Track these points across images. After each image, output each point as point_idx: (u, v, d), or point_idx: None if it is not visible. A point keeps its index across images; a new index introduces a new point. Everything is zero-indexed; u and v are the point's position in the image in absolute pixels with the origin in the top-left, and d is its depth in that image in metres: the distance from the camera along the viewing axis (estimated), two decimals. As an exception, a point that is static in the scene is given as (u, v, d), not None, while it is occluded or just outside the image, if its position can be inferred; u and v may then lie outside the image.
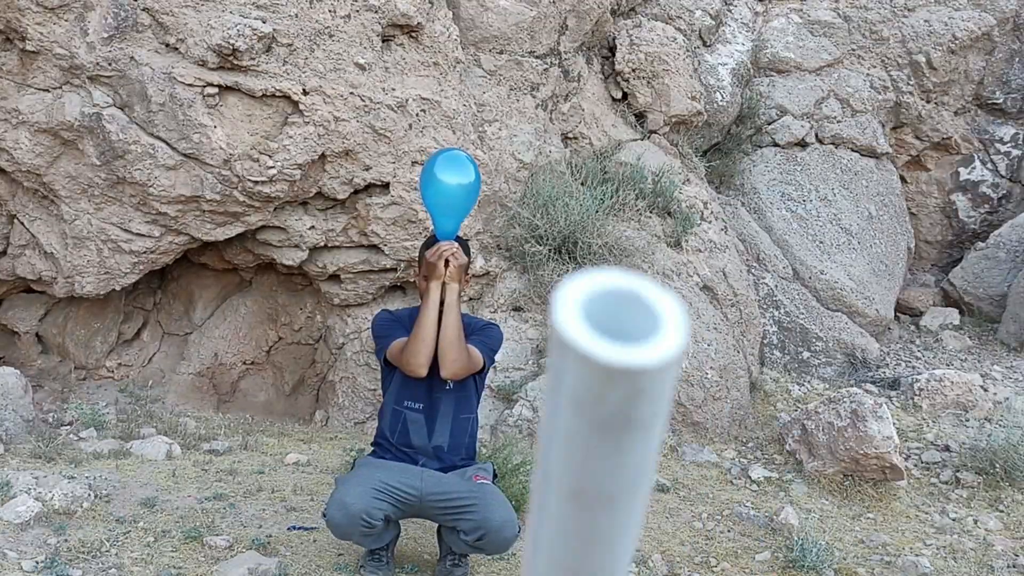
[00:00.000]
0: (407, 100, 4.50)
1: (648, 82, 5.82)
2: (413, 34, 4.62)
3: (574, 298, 0.20)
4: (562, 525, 0.21)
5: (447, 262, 2.69)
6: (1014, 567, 3.63)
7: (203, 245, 4.75)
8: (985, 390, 5.29)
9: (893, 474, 4.16)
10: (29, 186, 4.52)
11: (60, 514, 3.21)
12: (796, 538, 3.48)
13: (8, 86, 4.35)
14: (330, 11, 4.37)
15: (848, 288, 6.25)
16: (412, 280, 4.61)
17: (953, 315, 6.97)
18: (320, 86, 4.33)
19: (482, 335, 2.86)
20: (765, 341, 5.85)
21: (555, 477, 0.21)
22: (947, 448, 4.63)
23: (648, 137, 5.83)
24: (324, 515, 2.72)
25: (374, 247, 4.70)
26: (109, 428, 4.29)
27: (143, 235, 4.48)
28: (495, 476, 3.01)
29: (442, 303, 2.71)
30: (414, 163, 4.47)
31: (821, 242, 6.37)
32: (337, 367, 4.90)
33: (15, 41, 4.29)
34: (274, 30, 4.24)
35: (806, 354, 5.99)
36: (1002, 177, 7.43)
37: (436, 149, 4.22)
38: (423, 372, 2.72)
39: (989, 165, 7.44)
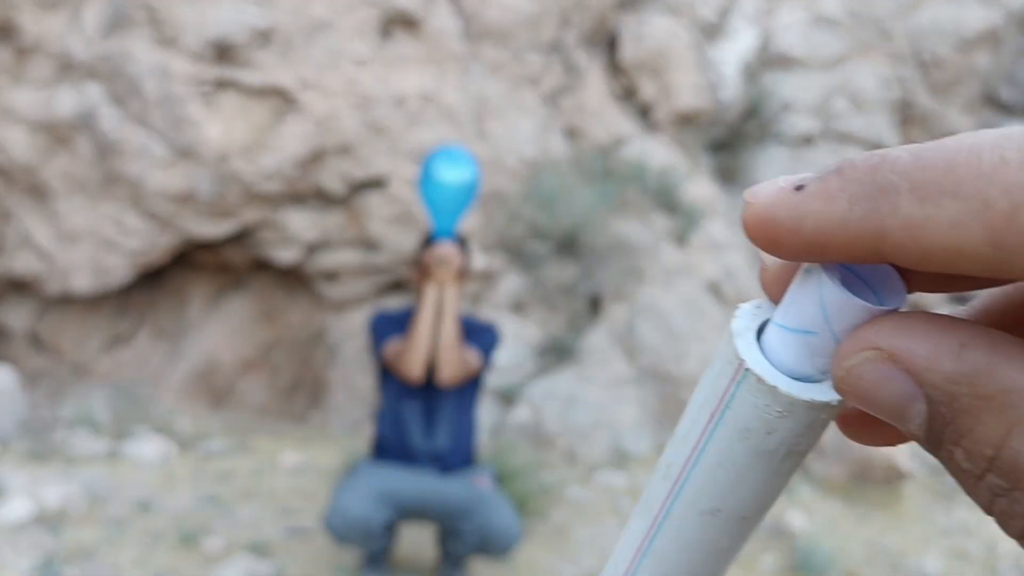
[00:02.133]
0: (406, 95, 4.44)
1: (652, 77, 5.75)
2: (412, 28, 4.56)
3: (751, 326, 0.21)
4: (686, 538, 0.23)
5: (444, 265, 2.64)
6: (1020, 569, 3.60)
7: (198, 244, 4.71)
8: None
9: (900, 476, 4.11)
10: (23, 183, 4.48)
11: (55, 515, 3.19)
12: (802, 541, 3.44)
13: (3, 82, 4.30)
14: (327, 5, 4.31)
15: (854, 287, 6.18)
16: (410, 279, 4.56)
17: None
18: (317, 81, 4.28)
19: (480, 336, 2.81)
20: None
21: (694, 493, 0.22)
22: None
23: (652, 133, 5.77)
24: (324, 522, 2.68)
25: (372, 245, 4.64)
26: (103, 428, 4.26)
27: (138, 233, 4.44)
28: (496, 479, 2.96)
29: (440, 305, 2.66)
30: (413, 159, 4.42)
31: (827, 240, 6.31)
32: (334, 367, 4.85)
33: (10, 36, 4.25)
34: (271, 24, 4.19)
35: (811, 354, 5.93)
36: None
37: (436, 145, 4.17)
38: (419, 377, 2.67)
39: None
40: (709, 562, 0.23)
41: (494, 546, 2.68)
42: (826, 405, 0.20)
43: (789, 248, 0.18)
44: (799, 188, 0.18)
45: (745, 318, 0.21)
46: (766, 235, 0.19)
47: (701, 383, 0.22)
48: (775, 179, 0.19)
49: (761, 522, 0.23)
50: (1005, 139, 0.16)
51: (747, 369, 0.20)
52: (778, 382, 0.20)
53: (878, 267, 0.20)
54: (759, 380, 0.20)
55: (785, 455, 0.21)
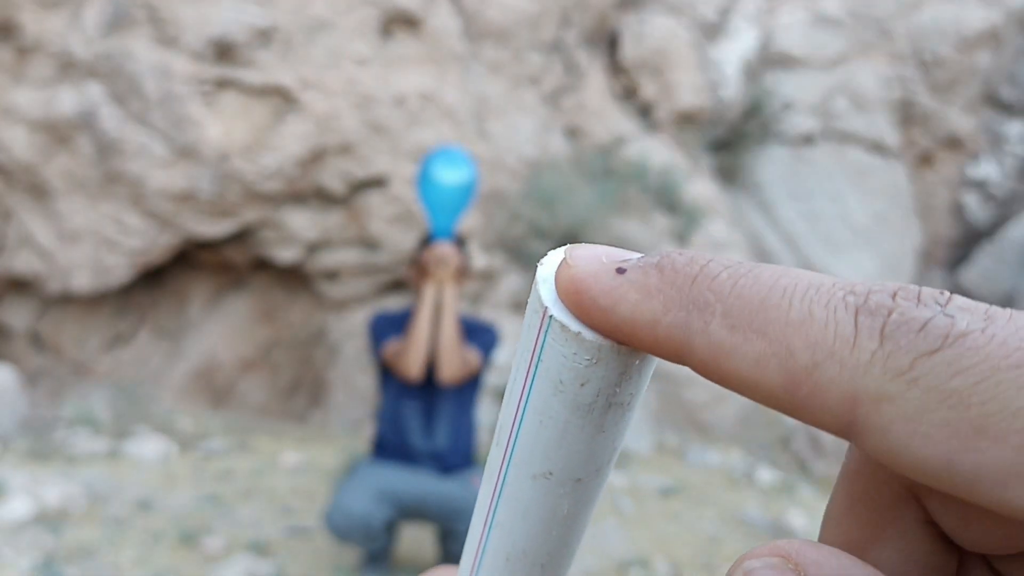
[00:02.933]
0: (407, 94, 4.44)
1: (653, 76, 5.75)
2: (413, 27, 4.57)
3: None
4: (524, 505, 0.22)
5: (442, 265, 2.64)
6: None
7: (198, 243, 4.71)
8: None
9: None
10: (24, 182, 4.49)
11: (55, 514, 3.19)
12: (802, 542, 3.43)
13: (3, 81, 4.31)
14: (328, 4, 4.32)
15: (855, 287, 6.18)
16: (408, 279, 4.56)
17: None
18: (318, 80, 4.28)
19: (480, 336, 2.82)
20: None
21: (523, 456, 0.21)
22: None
23: (653, 132, 5.77)
24: (325, 519, 2.69)
25: (372, 245, 4.65)
26: (104, 427, 4.26)
27: (138, 232, 4.44)
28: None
29: (438, 305, 2.67)
30: (414, 159, 4.42)
31: (828, 240, 6.31)
32: (334, 367, 4.85)
33: (11, 35, 4.25)
34: (271, 24, 4.19)
35: (812, 353, 5.92)
36: (1010, 175, 7.35)
37: (436, 144, 4.18)
38: (417, 376, 2.68)
39: (997, 163, 7.37)
40: (553, 529, 0.22)
41: (492, 546, 2.69)
42: (634, 349, 0.19)
43: (597, 324, 0.19)
44: (620, 271, 0.18)
45: (552, 265, 0.20)
46: (578, 305, 0.19)
47: (520, 339, 0.21)
48: (597, 248, 0.19)
49: (602, 485, 0.22)
50: (814, 290, 0.16)
51: (551, 316, 0.19)
52: (581, 328, 0.19)
53: None
54: (563, 327, 0.19)
55: (605, 407, 0.20)
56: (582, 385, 0.19)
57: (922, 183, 7.34)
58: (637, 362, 0.19)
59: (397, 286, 4.87)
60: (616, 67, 5.87)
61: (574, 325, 0.19)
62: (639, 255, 0.19)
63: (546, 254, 0.21)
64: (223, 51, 4.13)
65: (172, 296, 5.19)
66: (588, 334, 0.19)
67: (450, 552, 2.81)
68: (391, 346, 2.74)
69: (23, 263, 4.61)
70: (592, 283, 0.18)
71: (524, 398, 0.20)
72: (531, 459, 0.21)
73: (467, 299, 4.61)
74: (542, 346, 0.20)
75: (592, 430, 0.20)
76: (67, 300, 4.88)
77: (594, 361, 0.19)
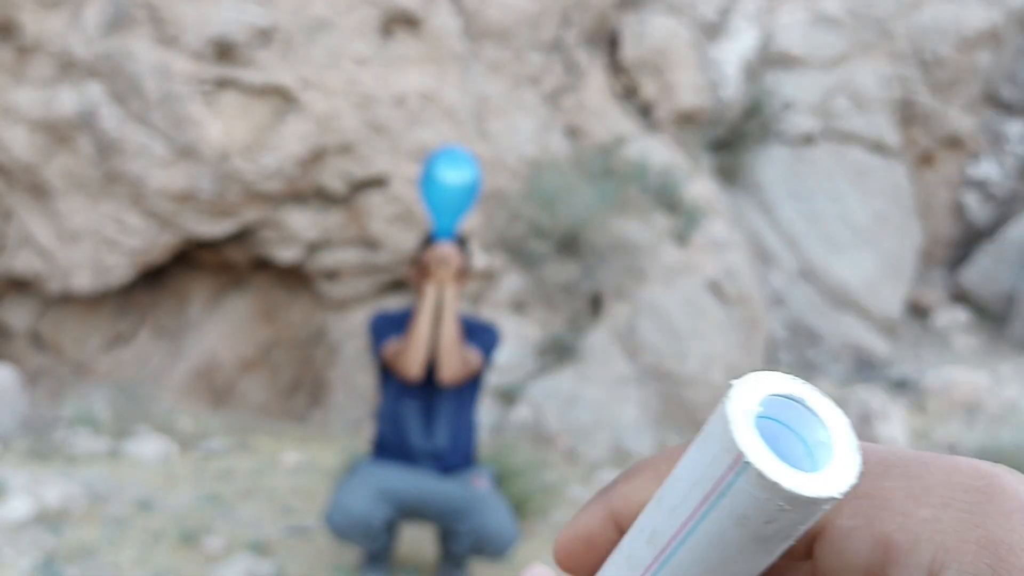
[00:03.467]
0: (407, 94, 4.44)
1: (653, 76, 5.75)
2: (413, 27, 4.57)
3: (750, 410, 0.20)
4: None
5: (443, 265, 2.64)
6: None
7: (198, 243, 4.71)
8: (993, 390, 5.23)
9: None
10: (24, 182, 4.49)
11: (56, 514, 3.19)
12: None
13: (3, 81, 4.31)
14: (328, 4, 4.32)
15: (856, 287, 6.18)
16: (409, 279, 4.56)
17: (961, 314, 6.90)
18: (318, 80, 4.28)
19: (480, 336, 2.81)
20: (771, 340, 5.78)
21: (682, 566, 0.22)
22: (955, 449, 4.57)
23: (653, 132, 5.76)
24: (325, 519, 2.69)
25: (372, 245, 4.65)
26: (104, 427, 4.26)
27: (138, 232, 4.44)
28: (496, 479, 2.97)
29: (439, 305, 2.66)
30: (414, 159, 4.42)
31: (829, 240, 6.30)
32: (334, 366, 4.85)
33: (11, 35, 4.25)
34: (271, 23, 4.19)
35: (813, 353, 5.92)
36: (1010, 175, 7.35)
37: (436, 144, 4.18)
38: (418, 376, 2.68)
39: (997, 162, 7.37)
40: None
41: (489, 549, 2.69)
42: (829, 499, 0.19)
43: None
44: None
45: (741, 399, 0.20)
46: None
47: (692, 455, 0.21)
48: None
49: None
50: None
51: (747, 462, 0.19)
52: (780, 478, 0.19)
53: (798, 411, 0.20)
54: (760, 475, 0.19)
55: (783, 539, 0.20)
56: (767, 523, 0.20)
57: (922, 183, 7.34)
58: (826, 508, 0.20)
59: (397, 286, 4.87)
60: (616, 67, 5.87)
61: (772, 475, 0.19)
62: None
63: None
64: (223, 51, 4.14)
65: (172, 296, 5.19)
66: (787, 484, 0.19)
67: (450, 552, 2.81)
68: (391, 346, 2.73)
69: (23, 263, 4.61)
70: None
71: (696, 519, 0.21)
72: (689, 570, 0.22)
73: (467, 299, 4.61)
74: (730, 484, 0.20)
75: (764, 556, 0.21)
76: (67, 300, 4.88)
77: (787, 507, 0.19)
